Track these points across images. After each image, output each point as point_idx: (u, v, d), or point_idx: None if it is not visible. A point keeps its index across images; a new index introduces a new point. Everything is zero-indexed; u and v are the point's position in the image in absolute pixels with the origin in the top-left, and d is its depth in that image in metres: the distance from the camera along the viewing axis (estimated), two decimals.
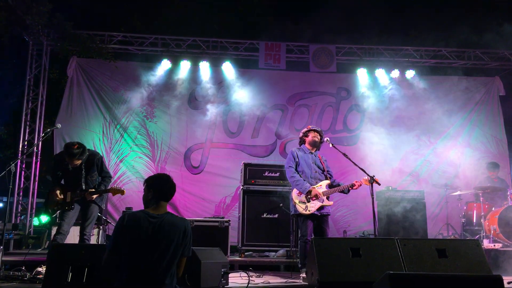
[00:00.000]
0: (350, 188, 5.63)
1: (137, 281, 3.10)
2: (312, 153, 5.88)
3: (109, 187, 5.69)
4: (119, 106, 9.89)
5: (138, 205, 7.47)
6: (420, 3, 9.28)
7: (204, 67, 10.06)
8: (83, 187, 5.52)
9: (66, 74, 9.97)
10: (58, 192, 5.51)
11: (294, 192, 5.67)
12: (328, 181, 5.74)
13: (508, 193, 7.68)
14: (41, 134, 9.46)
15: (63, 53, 9.72)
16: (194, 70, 10.11)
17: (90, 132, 9.68)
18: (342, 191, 5.69)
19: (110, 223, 7.87)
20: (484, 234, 7.64)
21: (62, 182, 5.66)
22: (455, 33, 10.02)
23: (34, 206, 9.54)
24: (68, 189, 5.51)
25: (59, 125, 6.83)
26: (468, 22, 10.08)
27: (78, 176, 5.50)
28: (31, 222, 9.25)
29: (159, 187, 3.42)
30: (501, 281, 3.09)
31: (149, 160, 9.78)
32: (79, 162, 5.41)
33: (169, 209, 3.38)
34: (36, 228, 9.11)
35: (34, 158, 9.51)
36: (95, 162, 5.60)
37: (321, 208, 5.54)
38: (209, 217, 7.92)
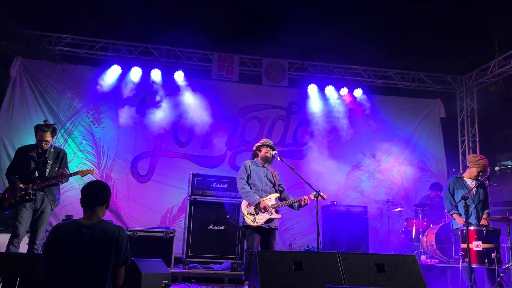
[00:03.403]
0: (301, 205, 5.68)
1: None
2: (264, 166, 5.94)
3: (77, 171, 5.67)
4: (65, 110, 9.53)
5: (79, 213, 7.22)
6: (369, 24, 9.66)
7: (156, 74, 9.88)
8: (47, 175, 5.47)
9: (9, 75, 9.53)
10: (19, 183, 5.39)
11: (244, 204, 5.69)
12: (277, 195, 5.80)
13: (445, 210, 8.03)
14: None
15: (7, 53, 9.28)
16: (145, 77, 9.90)
17: (32, 136, 8.97)
18: (291, 206, 5.77)
19: (47, 231, 7.53)
20: (422, 249, 7.96)
21: (17, 176, 5.54)
22: (401, 55, 10.47)
23: None
24: (29, 181, 5.40)
25: None
26: (413, 45, 10.57)
27: (43, 167, 5.49)
28: None
29: (83, 192, 3.32)
30: None
31: (93, 167, 9.47)
32: (49, 138, 5.51)
33: (113, 218, 3.31)
34: None
35: None
36: (60, 156, 5.67)
37: (269, 221, 5.58)
38: (154, 228, 7.76)
